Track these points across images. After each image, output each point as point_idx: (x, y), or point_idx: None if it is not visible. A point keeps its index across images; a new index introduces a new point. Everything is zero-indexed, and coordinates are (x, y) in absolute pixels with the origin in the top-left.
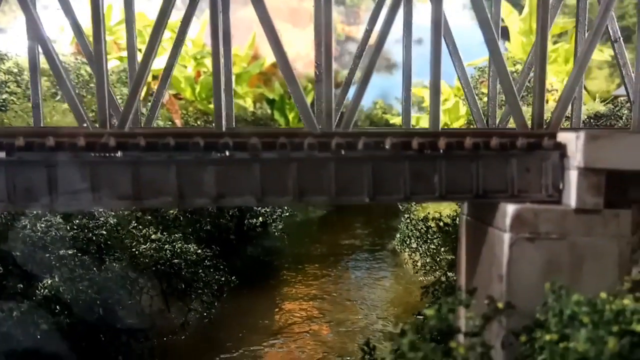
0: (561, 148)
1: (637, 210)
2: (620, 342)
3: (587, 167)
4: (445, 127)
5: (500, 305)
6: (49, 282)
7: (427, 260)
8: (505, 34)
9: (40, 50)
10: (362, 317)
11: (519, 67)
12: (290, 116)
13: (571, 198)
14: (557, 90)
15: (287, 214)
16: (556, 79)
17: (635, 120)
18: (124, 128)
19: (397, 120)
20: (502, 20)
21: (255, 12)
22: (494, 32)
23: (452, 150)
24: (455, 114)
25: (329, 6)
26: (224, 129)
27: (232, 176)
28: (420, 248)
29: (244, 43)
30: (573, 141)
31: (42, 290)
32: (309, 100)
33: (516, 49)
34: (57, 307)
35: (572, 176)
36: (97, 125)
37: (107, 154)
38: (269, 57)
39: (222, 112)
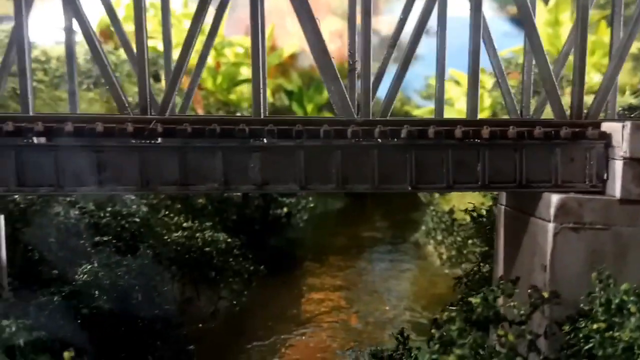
0: (606, 138)
1: None
2: None
3: (633, 157)
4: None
5: (545, 294)
6: (88, 267)
7: (453, 253)
8: None
9: (74, 36)
10: (389, 308)
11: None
12: (309, 107)
13: (615, 188)
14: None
15: (312, 205)
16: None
17: None
18: (165, 115)
19: (418, 112)
20: None
21: (292, 5)
22: (533, 20)
23: (495, 139)
24: (479, 105)
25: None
26: (262, 116)
27: (276, 163)
28: (445, 241)
29: None
30: (619, 131)
31: (81, 276)
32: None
33: (542, 40)
34: (97, 292)
35: (617, 166)
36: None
37: (155, 140)
38: (286, 48)
39: (261, 100)
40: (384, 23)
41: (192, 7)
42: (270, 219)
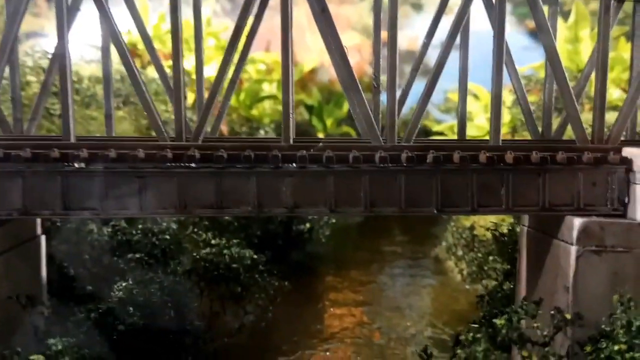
0: (627, 163)
1: None
2: None
3: None
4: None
5: (568, 315)
6: (123, 284)
7: (474, 269)
8: None
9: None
10: (411, 324)
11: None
12: (328, 122)
13: (636, 212)
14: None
15: (334, 220)
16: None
17: None
18: (198, 140)
19: (438, 128)
20: None
21: (320, 32)
22: (553, 40)
23: (519, 164)
24: None
25: (394, 11)
26: (291, 141)
27: (307, 187)
28: (466, 256)
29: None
30: (639, 156)
31: (117, 292)
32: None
33: (562, 57)
34: (131, 308)
35: (638, 190)
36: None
37: (193, 165)
38: (306, 63)
39: (290, 124)
40: (403, 38)
41: (215, 24)
42: (293, 234)
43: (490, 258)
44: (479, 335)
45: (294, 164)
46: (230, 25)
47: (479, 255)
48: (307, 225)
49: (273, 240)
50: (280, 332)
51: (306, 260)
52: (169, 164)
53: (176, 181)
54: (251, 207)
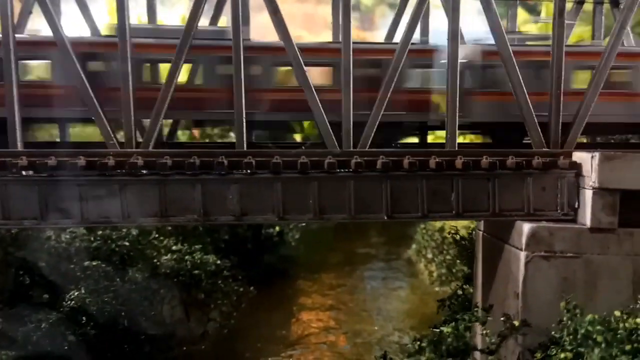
0: (576, 167)
1: None
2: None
3: (602, 187)
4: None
5: (516, 323)
6: (76, 294)
7: (443, 271)
8: None
9: None
10: (378, 328)
11: None
12: (306, 124)
13: (586, 217)
14: None
15: (304, 223)
16: None
17: None
18: (148, 147)
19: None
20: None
21: (278, 35)
22: (507, 44)
23: (468, 170)
24: None
25: (347, 26)
26: (244, 147)
27: (254, 194)
28: (436, 259)
29: None
30: (588, 161)
31: (69, 302)
32: None
33: None
34: (84, 318)
35: (587, 195)
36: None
37: (136, 173)
38: None
39: (243, 132)
40: (380, 38)
41: None
42: (263, 238)
43: (459, 261)
44: (424, 344)
45: (241, 171)
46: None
47: (448, 257)
48: (277, 228)
49: (241, 245)
50: (245, 338)
51: (276, 264)
52: (110, 172)
53: (118, 189)
54: (197, 215)
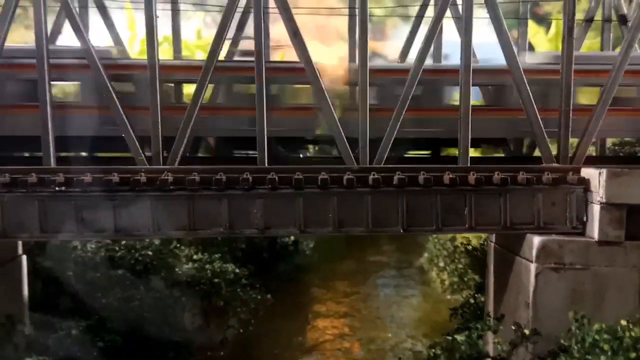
0: (585, 183)
1: None
2: None
3: (609, 202)
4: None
5: (526, 331)
6: (104, 301)
7: (455, 280)
8: (534, 50)
9: None
10: (391, 336)
11: None
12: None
13: (594, 230)
14: None
15: (324, 235)
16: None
17: None
18: (175, 163)
19: None
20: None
21: (298, 56)
22: (517, 62)
23: (481, 185)
24: None
25: (364, 43)
26: (266, 164)
27: (277, 208)
28: (447, 267)
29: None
30: (596, 177)
31: (98, 310)
32: None
33: None
34: (112, 325)
35: (595, 210)
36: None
37: (166, 189)
38: None
39: (265, 148)
40: (391, 48)
41: (205, 36)
42: (278, 247)
43: (470, 270)
44: (438, 352)
45: (265, 186)
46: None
47: (460, 266)
48: (292, 238)
49: (258, 254)
50: (262, 345)
51: (291, 273)
52: (142, 188)
53: (149, 204)
54: (223, 228)
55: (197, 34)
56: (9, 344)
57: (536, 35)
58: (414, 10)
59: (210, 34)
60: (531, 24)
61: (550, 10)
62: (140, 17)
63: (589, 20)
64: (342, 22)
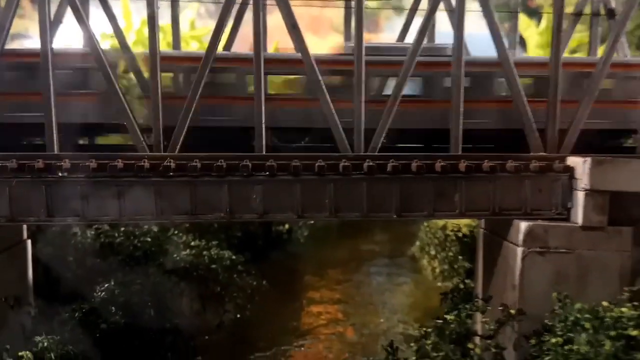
0: (570, 171)
1: (638, 228)
2: (615, 344)
3: (593, 189)
4: None
5: (512, 311)
6: (105, 285)
7: (445, 267)
8: (525, 43)
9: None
10: (383, 321)
11: None
12: None
13: (578, 216)
14: None
15: (312, 221)
16: None
17: None
18: (175, 150)
19: None
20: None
21: (295, 48)
22: (507, 55)
23: (471, 172)
24: None
25: (360, 35)
26: (264, 151)
27: (275, 194)
28: (438, 255)
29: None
30: (580, 165)
31: (100, 293)
32: None
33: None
34: (113, 308)
35: (580, 196)
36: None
37: (168, 175)
38: None
39: (263, 137)
40: (385, 40)
41: (199, 26)
42: (273, 235)
43: (460, 257)
44: (429, 330)
45: (264, 173)
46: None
47: (450, 254)
48: (286, 226)
49: (253, 241)
50: (258, 329)
51: (286, 260)
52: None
53: (153, 190)
54: (224, 213)
55: (191, 24)
56: (17, 324)
57: (528, 28)
58: (407, 2)
59: (203, 24)
60: (523, 18)
61: (541, 3)
62: (135, 7)
63: (577, 14)
64: (336, 14)
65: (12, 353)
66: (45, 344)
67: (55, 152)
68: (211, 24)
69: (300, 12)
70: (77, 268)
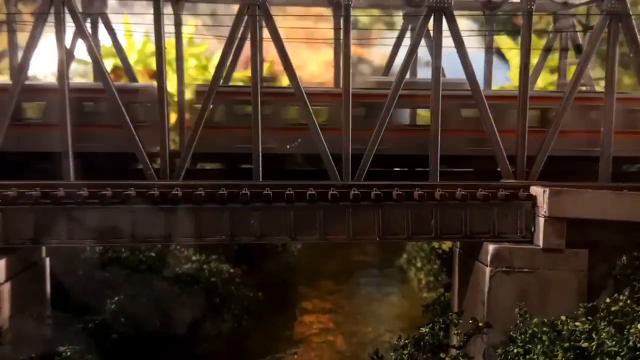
0: (532, 199)
1: (597, 249)
2: (567, 355)
3: (552, 216)
4: None
5: (480, 324)
6: (116, 298)
7: (430, 279)
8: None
9: None
10: (371, 330)
11: None
12: None
13: (540, 239)
14: None
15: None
16: None
17: (602, 173)
18: (180, 178)
19: None
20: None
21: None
22: (477, 83)
23: (445, 200)
24: None
25: (347, 75)
26: (260, 179)
27: (272, 219)
28: (424, 268)
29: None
30: (541, 194)
31: (111, 305)
32: None
33: (516, 81)
34: (123, 319)
35: (541, 222)
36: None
37: (176, 202)
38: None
39: (259, 165)
40: (377, 55)
41: (197, 41)
42: (268, 248)
43: (442, 272)
44: (407, 341)
45: (261, 201)
46: (211, 43)
47: (435, 267)
48: None
49: (249, 254)
50: (254, 338)
51: (279, 271)
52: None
53: (163, 215)
54: (225, 236)
55: (189, 41)
56: (39, 335)
57: (511, 50)
58: (398, 19)
59: (201, 38)
60: (506, 40)
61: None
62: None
63: (547, 49)
64: (329, 29)
65: None
66: (69, 353)
67: (71, 181)
68: (208, 38)
69: (293, 26)
70: (87, 281)
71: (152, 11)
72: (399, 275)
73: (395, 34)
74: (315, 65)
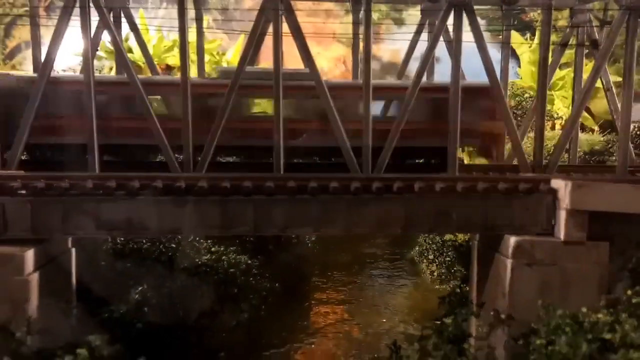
0: (553, 192)
1: (614, 242)
2: (591, 346)
3: (573, 209)
4: None
5: (502, 316)
6: (140, 288)
7: (443, 271)
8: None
9: None
10: (386, 321)
11: (527, 94)
12: None
13: (561, 232)
14: (562, 118)
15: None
16: (562, 104)
17: (620, 164)
18: (203, 170)
19: None
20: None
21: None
22: (497, 78)
23: (466, 193)
24: None
25: (368, 61)
26: (282, 172)
27: (295, 211)
28: (436, 260)
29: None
30: (563, 187)
31: (135, 296)
32: None
33: (526, 77)
34: (146, 309)
35: (562, 215)
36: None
37: (202, 193)
38: None
39: (281, 158)
40: (385, 51)
41: (209, 37)
42: (283, 239)
43: (457, 264)
44: (430, 332)
45: (284, 193)
46: (222, 38)
47: (447, 259)
48: None
49: (265, 245)
50: (272, 328)
51: (294, 263)
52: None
53: (189, 207)
54: (249, 227)
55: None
56: (67, 325)
57: (520, 45)
58: (406, 15)
59: (212, 33)
60: (515, 34)
61: (536, 17)
62: (150, 20)
63: (563, 44)
64: (338, 25)
65: (68, 350)
66: (98, 342)
67: (96, 173)
68: (219, 33)
69: (303, 23)
70: (109, 272)
71: (165, 6)
72: (411, 268)
73: (404, 29)
74: (325, 62)
